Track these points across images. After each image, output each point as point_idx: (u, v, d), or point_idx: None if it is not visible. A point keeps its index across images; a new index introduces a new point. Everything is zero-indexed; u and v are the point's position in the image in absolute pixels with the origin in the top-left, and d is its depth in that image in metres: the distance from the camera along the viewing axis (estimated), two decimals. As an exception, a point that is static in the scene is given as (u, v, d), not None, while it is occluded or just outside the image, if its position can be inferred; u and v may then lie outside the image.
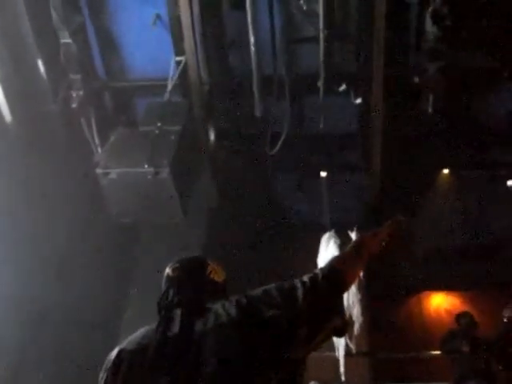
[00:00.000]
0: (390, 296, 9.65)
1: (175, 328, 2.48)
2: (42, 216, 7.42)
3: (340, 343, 7.02)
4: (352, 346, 7.13)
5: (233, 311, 2.49)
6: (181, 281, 2.72)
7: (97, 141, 8.46)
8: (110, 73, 8.99)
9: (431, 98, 8.31)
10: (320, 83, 8.23)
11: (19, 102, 7.58)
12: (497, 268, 9.74)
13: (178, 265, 2.80)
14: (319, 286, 2.60)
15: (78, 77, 8.03)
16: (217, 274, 2.79)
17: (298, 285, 2.58)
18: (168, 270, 2.80)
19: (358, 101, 8.50)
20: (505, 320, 7.82)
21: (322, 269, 2.71)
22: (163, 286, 2.75)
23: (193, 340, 2.43)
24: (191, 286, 2.70)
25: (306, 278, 2.63)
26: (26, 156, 7.42)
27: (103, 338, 6.83)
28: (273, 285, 2.62)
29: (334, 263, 2.80)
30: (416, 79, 8.32)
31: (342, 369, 7.14)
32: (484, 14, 7.85)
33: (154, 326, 2.56)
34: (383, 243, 2.96)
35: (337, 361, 7.13)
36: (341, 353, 7.07)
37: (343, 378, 7.22)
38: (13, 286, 6.82)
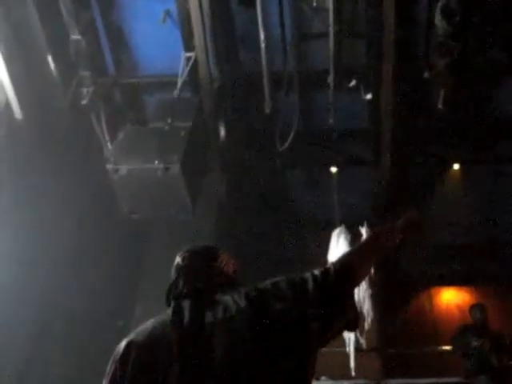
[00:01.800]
0: (401, 291, 9.65)
1: (185, 319, 2.44)
2: (53, 212, 7.45)
3: (350, 338, 7.04)
4: (362, 342, 7.15)
5: (242, 303, 2.46)
6: (190, 270, 2.67)
7: (107, 137, 8.47)
8: (120, 69, 8.99)
9: (441, 93, 8.29)
10: (330, 79, 8.22)
11: (29, 99, 7.60)
12: (509, 263, 9.71)
13: (187, 254, 2.75)
14: (330, 280, 2.57)
15: (87, 73, 8.03)
16: (227, 265, 2.73)
17: (309, 278, 2.56)
18: (178, 259, 2.74)
19: (368, 96, 8.48)
20: None
21: (333, 263, 2.68)
22: (172, 276, 2.69)
23: (203, 331, 2.40)
24: (201, 276, 2.65)
25: (317, 272, 2.60)
26: (36, 153, 7.45)
27: (113, 332, 6.86)
28: (283, 277, 2.59)
29: (345, 258, 2.77)
30: (426, 74, 8.30)
31: (352, 364, 7.16)
32: (493, 9, 7.83)
33: (161, 317, 2.52)
34: (398, 238, 2.85)
35: (347, 356, 7.15)
36: (351, 348, 7.09)
37: (353, 373, 7.23)
38: (24, 282, 6.86)
